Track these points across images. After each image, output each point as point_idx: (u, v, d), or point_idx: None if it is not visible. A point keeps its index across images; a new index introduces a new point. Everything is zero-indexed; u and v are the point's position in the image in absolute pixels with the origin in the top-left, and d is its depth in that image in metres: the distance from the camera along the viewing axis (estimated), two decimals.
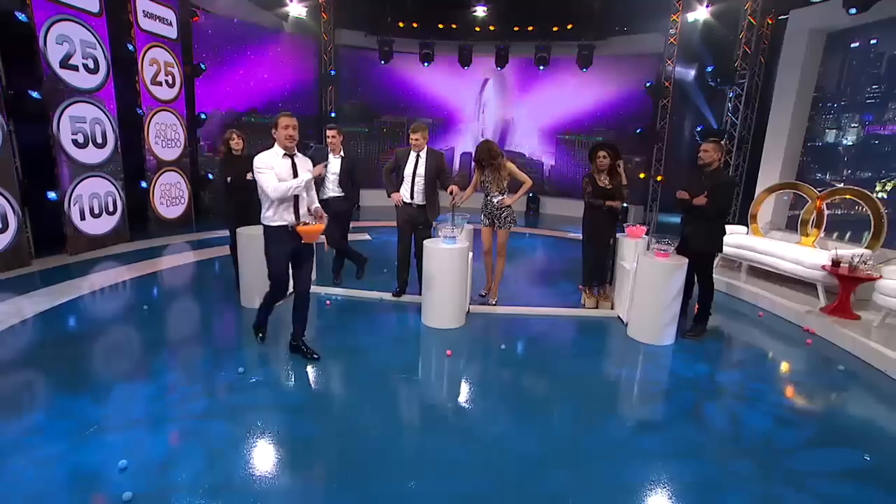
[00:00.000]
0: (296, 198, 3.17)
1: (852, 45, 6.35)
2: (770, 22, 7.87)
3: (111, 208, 6.39)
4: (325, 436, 2.55)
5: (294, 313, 3.43)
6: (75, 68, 5.67)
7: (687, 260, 3.90)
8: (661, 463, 2.44)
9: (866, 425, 2.98)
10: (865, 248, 4.84)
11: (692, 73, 9.79)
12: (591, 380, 3.38)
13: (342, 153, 4.72)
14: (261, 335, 3.65)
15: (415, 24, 10.35)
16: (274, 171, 3.11)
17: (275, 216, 3.16)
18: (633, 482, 2.29)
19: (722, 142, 8.34)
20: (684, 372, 3.54)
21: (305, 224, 3.15)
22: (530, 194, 11.51)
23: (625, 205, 4.86)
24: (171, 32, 7.48)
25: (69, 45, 5.55)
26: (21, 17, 5.08)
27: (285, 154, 3.16)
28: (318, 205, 3.35)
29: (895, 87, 5.82)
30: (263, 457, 2.34)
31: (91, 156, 6.00)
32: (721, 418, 2.99)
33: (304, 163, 3.30)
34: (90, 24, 5.84)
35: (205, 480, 2.13)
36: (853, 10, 5.14)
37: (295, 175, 3.17)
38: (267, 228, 3.20)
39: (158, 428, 2.56)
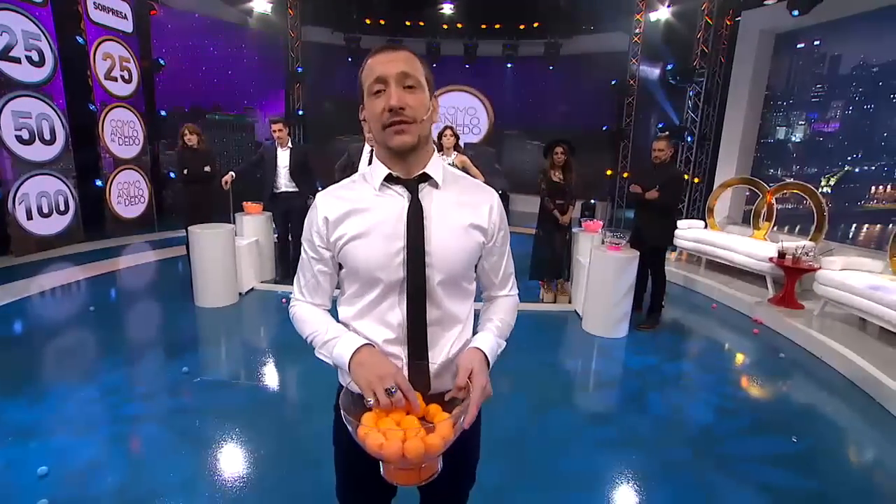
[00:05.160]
0: (407, 302, 1.00)
1: (798, 46, 6.62)
2: (728, 23, 8.12)
3: (62, 207, 6.15)
4: (269, 436, 2.50)
5: None
6: (17, 60, 5.42)
7: (638, 253, 3.99)
8: (600, 452, 2.49)
9: (800, 410, 3.11)
10: (809, 240, 5.04)
11: (656, 71, 10.00)
12: (539, 372, 3.42)
13: (290, 144, 4.69)
14: None
15: (381, 21, 10.27)
16: (358, 240, 1.00)
17: (344, 353, 0.98)
18: (571, 471, 2.33)
19: (684, 136, 8.57)
20: (632, 363, 3.62)
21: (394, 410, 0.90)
22: (500, 191, 11.58)
23: (575, 229, 4.95)
24: (126, 26, 7.23)
25: (9, 36, 5.30)
26: None
27: (391, 179, 1.01)
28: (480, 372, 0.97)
29: (836, 87, 6.09)
30: (196, 461, 2.28)
31: (38, 153, 5.76)
32: (662, 407, 3.06)
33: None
34: (33, 15, 5.59)
35: (128, 486, 2.07)
36: (795, 13, 5.35)
37: (414, 250, 0.97)
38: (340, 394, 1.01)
39: (88, 432, 2.46)
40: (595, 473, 2.31)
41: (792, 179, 6.10)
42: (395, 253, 0.98)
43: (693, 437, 2.68)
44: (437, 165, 1.03)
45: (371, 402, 0.89)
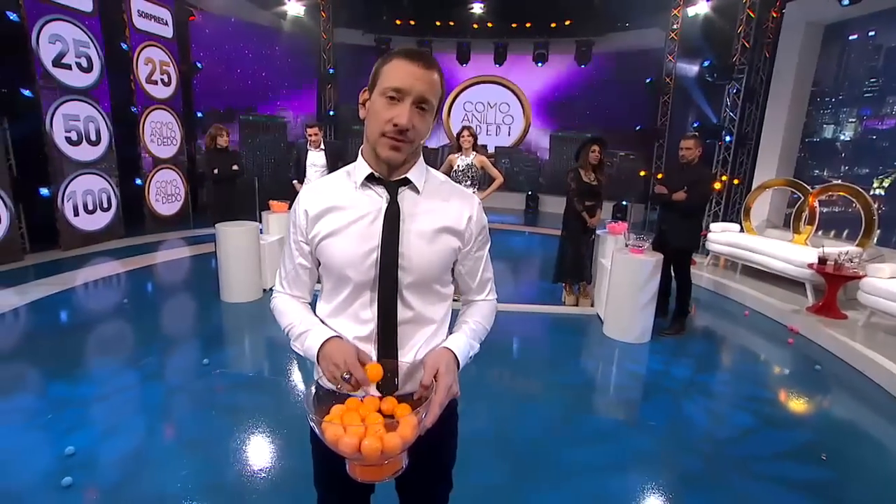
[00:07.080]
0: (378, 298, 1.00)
1: (850, 38, 6.17)
2: (774, 15, 7.68)
3: (105, 205, 6.51)
4: (284, 428, 2.55)
5: None
6: (68, 67, 5.78)
7: (661, 256, 3.83)
8: (616, 460, 2.40)
9: (834, 427, 2.89)
10: (857, 245, 4.70)
11: (694, 68, 9.60)
12: (557, 377, 3.34)
13: (322, 146, 4.81)
14: None
15: (412, 22, 10.34)
16: (333, 243, 1.00)
17: (318, 349, 0.98)
18: (588, 477, 2.26)
19: (721, 135, 8.18)
20: (653, 370, 3.48)
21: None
22: (529, 192, 11.44)
23: (599, 231, 4.79)
24: (167, 32, 7.59)
25: (62, 45, 5.67)
26: (13, 17, 5.20)
27: (372, 179, 1.00)
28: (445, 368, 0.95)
29: (894, 81, 5.64)
30: (212, 450, 2.34)
31: (85, 153, 6.12)
32: (681, 417, 2.92)
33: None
34: (83, 24, 5.96)
35: (148, 468, 2.16)
36: (845, 2, 5.00)
37: (389, 254, 0.97)
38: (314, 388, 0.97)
39: (112, 416, 2.59)
40: (612, 483, 2.22)
41: (839, 181, 5.70)
42: (368, 252, 0.98)
43: (709, 449, 2.54)
44: (419, 171, 1.03)
45: (340, 388, 0.92)
